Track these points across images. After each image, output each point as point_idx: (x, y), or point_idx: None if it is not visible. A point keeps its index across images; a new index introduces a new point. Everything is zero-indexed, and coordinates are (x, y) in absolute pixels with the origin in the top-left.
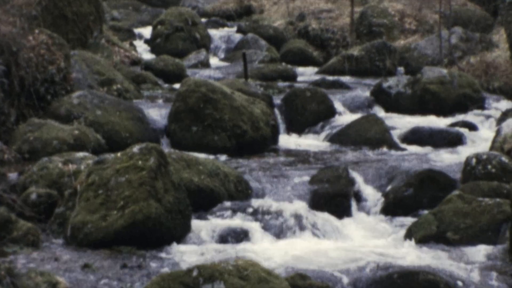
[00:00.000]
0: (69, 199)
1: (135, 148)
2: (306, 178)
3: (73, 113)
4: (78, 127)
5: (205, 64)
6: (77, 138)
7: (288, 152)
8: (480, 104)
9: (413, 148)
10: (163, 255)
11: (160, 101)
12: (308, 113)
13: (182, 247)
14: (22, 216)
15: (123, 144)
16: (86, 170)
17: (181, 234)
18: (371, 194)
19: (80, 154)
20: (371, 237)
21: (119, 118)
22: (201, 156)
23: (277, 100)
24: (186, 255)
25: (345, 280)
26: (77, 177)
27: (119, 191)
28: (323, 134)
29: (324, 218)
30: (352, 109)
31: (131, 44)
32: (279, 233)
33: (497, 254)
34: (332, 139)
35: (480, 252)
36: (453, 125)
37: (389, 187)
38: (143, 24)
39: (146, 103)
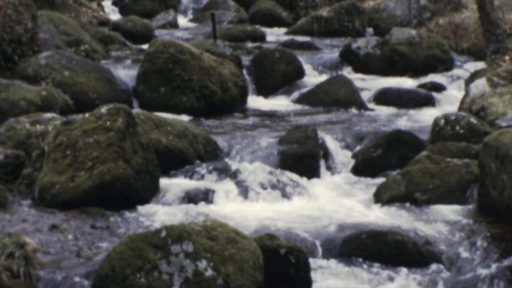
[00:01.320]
0: (36, 160)
1: (103, 109)
2: (275, 139)
3: (40, 74)
4: (46, 88)
5: (174, 25)
6: (45, 99)
7: (257, 113)
8: (449, 65)
9: (382, 109)
10: (131, 216)
11: (128, 62)
12: (277, 74)
13: (150, 208)
14: None
15: (91, 105)
16: (53, 131)
17: (149, 195)
18: (340, 155)
19: (48, 115)
20: (340, 197)
21: (87, 79)
22: (170, 117)
23: (246, 61)
24: (154, 216)
25: (314, 240)
26: (44, 138)
27: (87, 152)
28: (292, 95)
29: (292, 178)
30: (321, 70)
31: (99, 5)
32: (248, 193)
33: (465, 214)
34: (301, 100)
35: (448, 212)
36: (422, 86)
37: (357, 148)
38: None
39: (114, 64)
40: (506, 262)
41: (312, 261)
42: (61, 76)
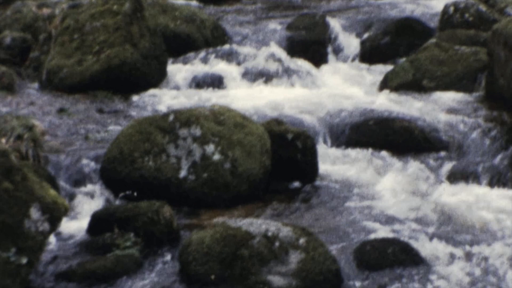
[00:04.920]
0: (43, 43)
1: None
2: (283, 25)
3: None
4: None
5: None
6: None
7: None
8: None
9: None
10: (139, 100)
11: None
12: None
13: (158, 92)
14: None
15: None
16: (60, 14)
17: (157, 79)
18: (348, 42)
19: None
20: (347, 84)
21: None
22: (177, 1)
23: None
24: (162, 100)
25: (321, 126)
26: (51, 21)
27: (95, 35)
28: None
29: (300, 65)
30: None
31: None
32: (255, 79)
33: (473, 102)
34: None
35: (455, 99)
36: None
37: (366, 35)
38: None
39: None
40: None
41: (319, 147)
42: None
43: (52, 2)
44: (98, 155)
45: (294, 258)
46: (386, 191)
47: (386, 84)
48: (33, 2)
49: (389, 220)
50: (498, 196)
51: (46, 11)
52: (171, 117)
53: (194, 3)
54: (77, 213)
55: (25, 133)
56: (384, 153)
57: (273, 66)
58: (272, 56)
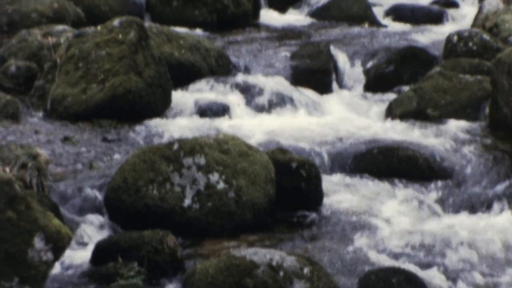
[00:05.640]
0: (48, 72)
1: (115, 22)
2: (287, 54)
3: None
4: (57, 0)
5: None
6: (57, 11)
7: (269, 28)
8: None
9: (395, 25)
10: (143, 128)
11: None
12: None
13: (162, 121)
14: (1, 88)
15: (103, 17)
16: (66, 43)
17: (161, 108)
18: (352, 71)
19: (60, 27)
20: (352, 113)
21: None
22: (182, 30)
23: None
24: (166, 129)
25: (325, 154)
26: (56, 50)
27: (99, 64)
28: (305, 10)
29: (304, 93)
30: None
31: None
32: (260, 108)
33: (477, 130)
34: (313, 15)
35: (459, 128)
36: (435, 2)
37: (370, 64)
38: None
39: None
40: None
41: (323, 175)
42: None
43: (58, 31)
44: (102, 183)
45: (299, 287)
46: (390, 220)
47: (390, 112)
48: (38, 31)
49: (394, 249)
50: (503, 225)
51: (51, 40)
52: (175, 146)
53: (200, 32)
54: (81, 242)
55: (29, 162)
56: (388, 181)
57: (277, 95)
58: (277, 85)
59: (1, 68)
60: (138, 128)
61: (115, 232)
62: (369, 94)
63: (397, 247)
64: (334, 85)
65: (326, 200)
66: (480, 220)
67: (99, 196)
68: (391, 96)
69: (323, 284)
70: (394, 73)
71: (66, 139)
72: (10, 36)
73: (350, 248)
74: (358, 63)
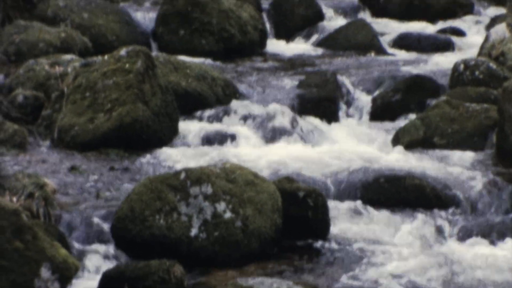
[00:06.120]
0: (56, 101)
1: (122, 51)
2: (294, 83)
3: (59, 16)
4: (65, 30)
5: None
6: (64, 41)
7: (276, 57)
8: (469, 10)
9: (401, 54)
10: (150, 158)
11: (147, 4)
12: (296, 17)
13: (169, 150)
14: (8, 118)
15: (110, 47)
16: (73, 72)
17: (168, 137)
18: (359, 99)
19: (67, 56)
20: (358, 142)
21: (106, 21)
22: (189, 59)
23: (265, 5)
24: (173, 158)
25: (332, 183)
26: (64, 80)
27: (106, 93)
28: (311, 39)
29: (311, 122)
30: (341, 14)
31: None
32: (266, 136)
33: (484, 159)
34: (320, 44)
35: (466, 157)
36: (442, 31)
37: (376, 92)
38: None
39: (133, 6)
40: None
41: (330, 205)
42: (80, 18)
43: (65, 61)
44: (109, 213)
45: None
46: (398, 249)
47: (397, 141)
48: (46, 60)
49: (401, 279)
50: (511, 254)
51: (58, 69)
52: (182, 175)
53: (207, 61)
54: (88, 272)
55: (36, 191)
56: (395, 210)
57: (284, 124)
58: (283, 114)
59: (8, 98)
60: (145, 157)
61: (122, 261)
62: (375, 123)
63: (405, 277)
64: (341, 114)
65: (333, 229)
66: (488, 249)
67: (106, 225)
68: (397, 124)
69: None
70: (401, 101)
71: (73, 169)
72: (18, 65)
73: (357, 278)
74: (364, 91)
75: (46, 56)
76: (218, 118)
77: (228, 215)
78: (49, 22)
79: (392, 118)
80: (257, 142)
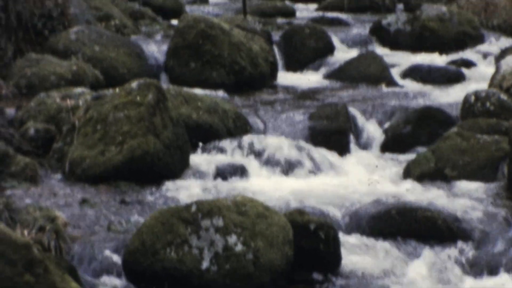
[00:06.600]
0: (67, 134)
1: (134, 84)
2: (305, 115)
3: (71, 49)
4: (76, 63)
5: (204, 1)
6: (75, 74)
7: (287, 89)
8: (479, 41)
9: (412, 85)
10: (161, 190)
11: (158, 37)
12: (307, 50)
13: (180, 183)
14: (20, 151)
15: (121, 79)
16: (84, 105)
17: (179, 169)
18: (370, 131)
19: (78, 89)
20: (370, 173)
21: (117, 54)
22: (200, 92)
23: (276, 37)
24: (184, 190)
25: (344, 216)
26: (75, 113)
27: (118, 126)
28: (322, 71)
29: (322, 154)
30: (351, 46)
31: None
32: (277, 169)
33: (495, 191)
34: (331, 76)
35: (478, 189)
36: (452, 62)
37: (387, 124)
38: None
39: (144, 39)
40: None
41: (341, 237)
42: (92, 51)
43: (76, 94)
44: (120, 246)
45: None
46: (409, 281)
47: (408, 173)
48: (57, 93)
49: None
50: None
51: (70, 102)
52: (193, 208)
53: (218, 93)
54: None
55: (47, 224)
56: (407, 242)
57: (295, 156)
58: (295, 146)
59: (20, 131)
60: (156, 190)
61: None
62: (387, 155)
63: None
64: (352, 145)
65: (344, 262)
66: (500, 282)
67: (117, 258)
68: (409, 156)
69: None
70: (412, 133)
71: (84, 202)
72: (29, 98)
73: None
74: (375, 123)
75: (57, 89)
76: (229, 151)
77: (239, 247)
78: (61, 55)
79: (403, 149)
80: (268, 174)
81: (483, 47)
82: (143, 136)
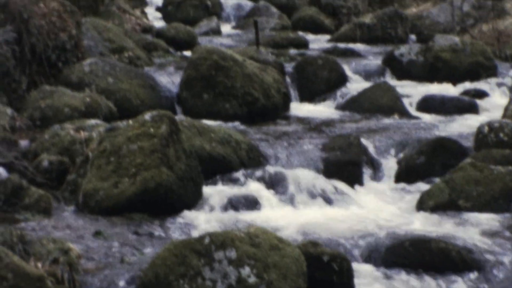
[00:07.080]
0: (80, 166)
1: (147, 116)
2: (318, 146)
3: (84, 81)
4: (90, 95)
5: (217, 32)
6: (89, 106)
7: (300, 120)
8: (492, 72)
9: (425, 116)
10: (175, 222)
11: (172, 68)
12: (319, 81)
13: (193, 215)
14: (33, 183)
15: (135, 111)
16: (97, 137)
17: (192, 201)
18: (383, 162)
19: (92, 121)
20: (383, 205)
21: (131, 86)
22: (213, 123)
23: (289, 68)
24: (197, 222)
25: (357, 247)
26: (88, 145)
27: (131, 158)
28: (335, 102)
29: (335, 186)
30: (364, 77)
31: (143, 12)
32: (291, 200)
33: (509, 222)
34: (343, 107)
35: (492, 220)
36: (465, 93)
37: (401, 155)
38: None
39: (157, 71)
40: None
41: (355, 268)
42: (105, 83)
43: (90, 126)
44: (133, 278)
45: None
46: None
47: (422, 204)
48: (70, 125)
49: None
50: None
51: (83, 134)
52: (206, 240)
53: (231, 124)
54: None
55: (61, 257)
56: (420, 274)
57: (308, 187)
58: (307, 177)
59: (33, 163)
60: (170, 221)
61: None
62: (400, 186)
63: None
64: (365, 177)
65: None
66: None
67: None
68: (422, 187)
69: None
70: (425, 164)
71: (97, 234)
72: (43, 130)
73: None
74: (389, 154)
75: (71, 121)
76: (242, 182)
77: (252, 279)
78: (74, 87)
79: (417, 180)
80: (281, 206)
81: (496, 78)
82: (157, 168)
